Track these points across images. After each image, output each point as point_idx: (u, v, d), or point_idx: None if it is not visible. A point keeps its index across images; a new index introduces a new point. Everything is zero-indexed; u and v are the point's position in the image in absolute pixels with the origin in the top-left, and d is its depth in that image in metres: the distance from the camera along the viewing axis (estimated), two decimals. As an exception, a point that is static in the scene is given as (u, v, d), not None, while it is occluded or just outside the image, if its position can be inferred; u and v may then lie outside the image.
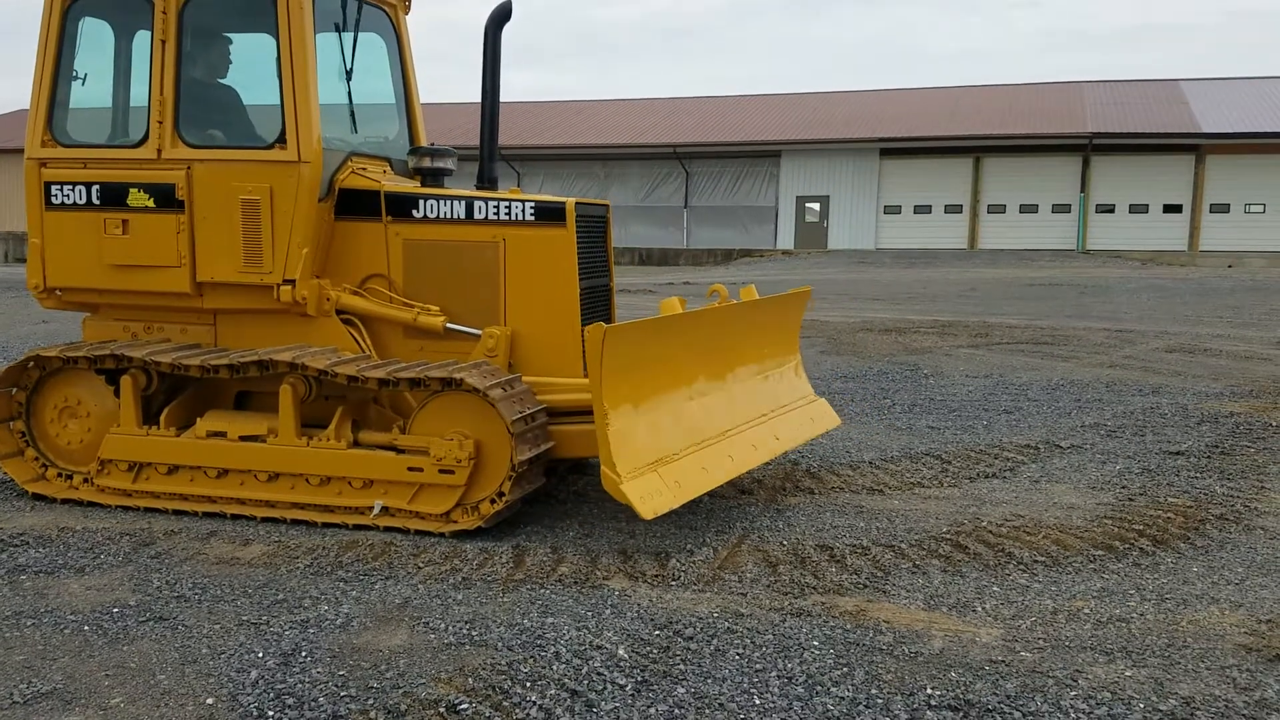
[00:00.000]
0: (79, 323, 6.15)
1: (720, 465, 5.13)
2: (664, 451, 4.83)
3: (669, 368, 5.09)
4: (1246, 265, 32.42)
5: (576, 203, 5.52)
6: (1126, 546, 4.89)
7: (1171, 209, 37.13)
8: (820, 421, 6.27)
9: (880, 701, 3.30)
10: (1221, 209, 36.70)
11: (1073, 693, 3.36)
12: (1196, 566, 4.64)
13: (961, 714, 3.21)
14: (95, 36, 5.92)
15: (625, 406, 4.67)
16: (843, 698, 3.32)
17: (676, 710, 3.24)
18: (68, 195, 5.71)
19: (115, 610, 4.05)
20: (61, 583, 4.38)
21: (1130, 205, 37.53)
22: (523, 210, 5.52)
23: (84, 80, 5.87)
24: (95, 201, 5.67)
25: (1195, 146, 36.31)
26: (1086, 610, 4.10)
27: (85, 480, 5.64)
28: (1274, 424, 7.67)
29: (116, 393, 5.55)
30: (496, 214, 5.55)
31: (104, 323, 6.00)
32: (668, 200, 42.96)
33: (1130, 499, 5.76)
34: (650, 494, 4.57)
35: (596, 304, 5.76)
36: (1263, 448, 6.99)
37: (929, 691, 3.36)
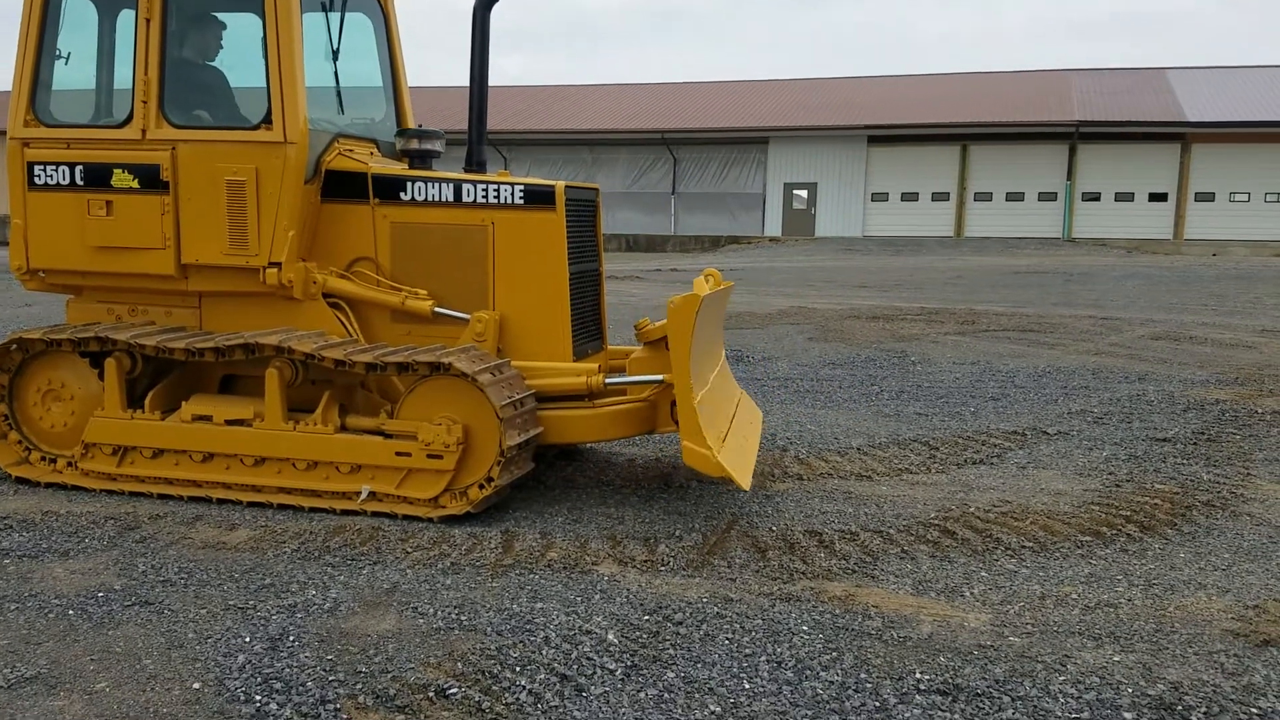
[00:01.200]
0: (63, 305, 6.09)
1: (744, 443, 5.18)
2: (718, 427, 4.84)
3: (710, 344, 5.12)
4: (1230, 254, 32.60)
5: (566, 186, 5.49)
6: (1114, 532, 4.91)
7: (1157, 197, 37.30)
8: (757, 415, 6.29)
9: (869, 685, 3.30)
10: (1206, 197, 36.89)
11: (1061, 677, 3.37)
12: (1184, 552, 4.67)
13: (950, 698, 3.22)
14: (78, 15, 5.84)
15: (697, 380, 4.69)
16: (832, 682, 3.32)
17: (666, 694, 3.23)
18: (51, 176, 5.64)
19: (100, 594, 4.02)
20: (46, 567, 4.35)
21: (1116, 193, 37.68)
22: (512, 193, 5.48)
23: (67, 59, 5.80)
24: (79, 182, 5.60)
25: (1181, 135, 36.47)
26: (1074, 595, 4.11)
27: (69, 464, 5.59)
28: (1259, 411, 7.71)
29: (101, 376, 5.51)
30: (485, 197, 5.51)
31: (88, 305, 5.94)
32: (655, 186, 42.88)
33: (1117, 485, 5.78)
34: (736, 467, 4.57)
35: (586, 289, 5.73)
36: (1248, 434, 7.02)
37: (918, 676, 3.37)
